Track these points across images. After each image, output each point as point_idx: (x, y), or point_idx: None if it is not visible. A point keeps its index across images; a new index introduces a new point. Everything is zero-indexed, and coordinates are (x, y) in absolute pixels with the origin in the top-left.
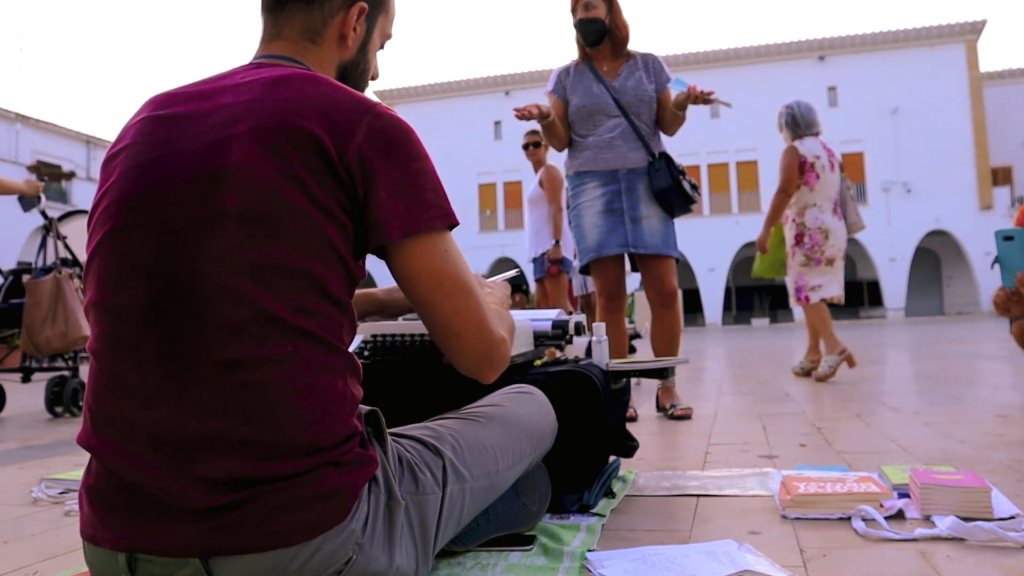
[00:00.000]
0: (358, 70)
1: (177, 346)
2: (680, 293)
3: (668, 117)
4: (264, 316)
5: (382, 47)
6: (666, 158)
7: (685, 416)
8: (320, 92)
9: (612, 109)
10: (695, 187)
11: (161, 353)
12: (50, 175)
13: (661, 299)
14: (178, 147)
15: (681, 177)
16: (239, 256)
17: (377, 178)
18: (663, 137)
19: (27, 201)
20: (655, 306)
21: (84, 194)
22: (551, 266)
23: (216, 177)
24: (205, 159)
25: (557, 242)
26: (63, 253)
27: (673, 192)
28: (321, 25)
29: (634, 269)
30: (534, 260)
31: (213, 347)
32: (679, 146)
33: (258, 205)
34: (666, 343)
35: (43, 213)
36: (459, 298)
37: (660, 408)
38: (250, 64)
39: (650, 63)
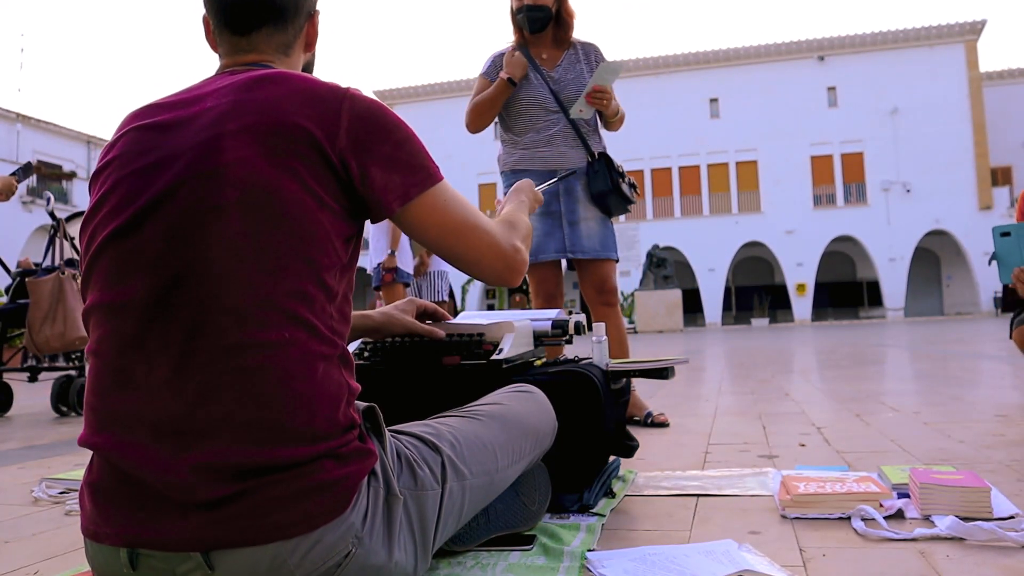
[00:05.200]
0: (311, 67)
1: (182, 335)
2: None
3: (609, 117)
4: (265, 301)
5: None
6: (605, 159)
7: (664, 423)
8: (298, 87)
9: (551, 104)
10: (634, 186)
11: (167, 343)
12: (50, 175)
13: (602, 297)
14: (170, 151)
15: (620, 180)
16: (242, 242)
17: (370, 157)
18: (603, 133)
19: (24, 173)
20: (595, 305)
21: (84, 194)
22: (385, 274)
23: (214, 174)
24: (200, 158)
25: (392, 252)
26: (70, 254)
27: (612, 195)
28: (293, 39)
29: (570, 267)
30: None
31: (219, 333)
32: (679, 146)
33: (258, 195)
34: (618, 344)
35: (51, 214)
36: (469, 236)
37: (630, 419)
38: (223, 73)
39: (591, 55)
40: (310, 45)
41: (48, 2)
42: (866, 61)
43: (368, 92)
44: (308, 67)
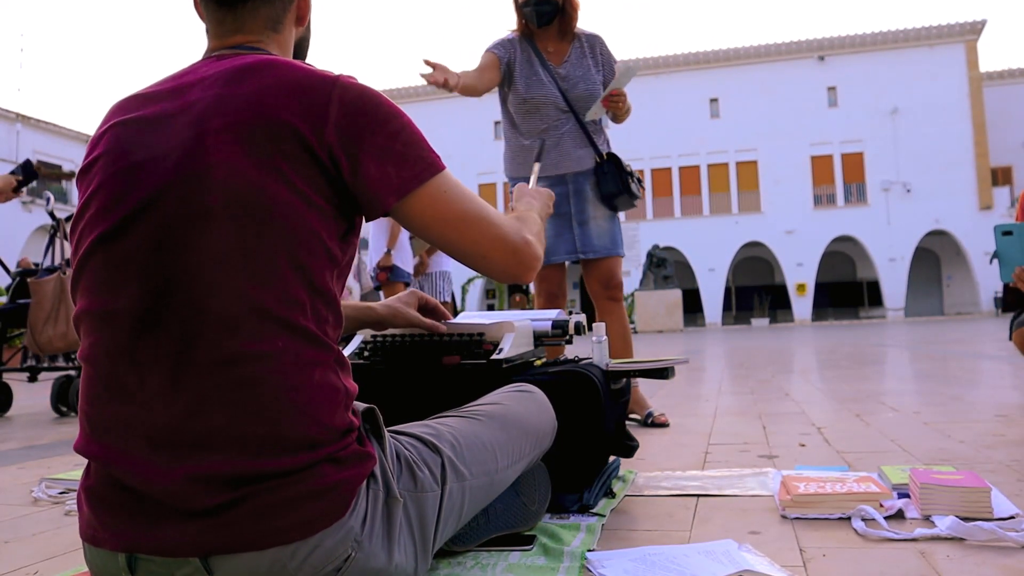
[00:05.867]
0: (306, 44)
1: (174, 346)
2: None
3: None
4: (256, 310)
5: None
6: (614, 160)
7: (664, 424)
8: (285, 77)
9: (560, 103)
10: (640, 182)
11: (159, 354)
12: (50, 175)
13: (608, 292)
14: (155, 150)
15: (629, 179)
16: (230, 250)
17: (361, 149)
18: (608, 127)
19: (23, 170)
20: (601, 299)
21: None
22: (379, 273)
23: (199, 176)
24: (185, 159)
25: (388, 251)
26: (70, 254)
27: (619, 196)
28: (282, 13)
29: (573, 262)
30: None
31: (210, 345)
32: (679, 146)
33: (243, 199)
34: (622, 341)
35: (51, 214)
36: (473, 228)
37: (632, 416)
38: (210, 57)
39: (597, 48)
40: (302, 19)
41: (48, 2)
42: (866, 61)
43: None
44: (303, 43)
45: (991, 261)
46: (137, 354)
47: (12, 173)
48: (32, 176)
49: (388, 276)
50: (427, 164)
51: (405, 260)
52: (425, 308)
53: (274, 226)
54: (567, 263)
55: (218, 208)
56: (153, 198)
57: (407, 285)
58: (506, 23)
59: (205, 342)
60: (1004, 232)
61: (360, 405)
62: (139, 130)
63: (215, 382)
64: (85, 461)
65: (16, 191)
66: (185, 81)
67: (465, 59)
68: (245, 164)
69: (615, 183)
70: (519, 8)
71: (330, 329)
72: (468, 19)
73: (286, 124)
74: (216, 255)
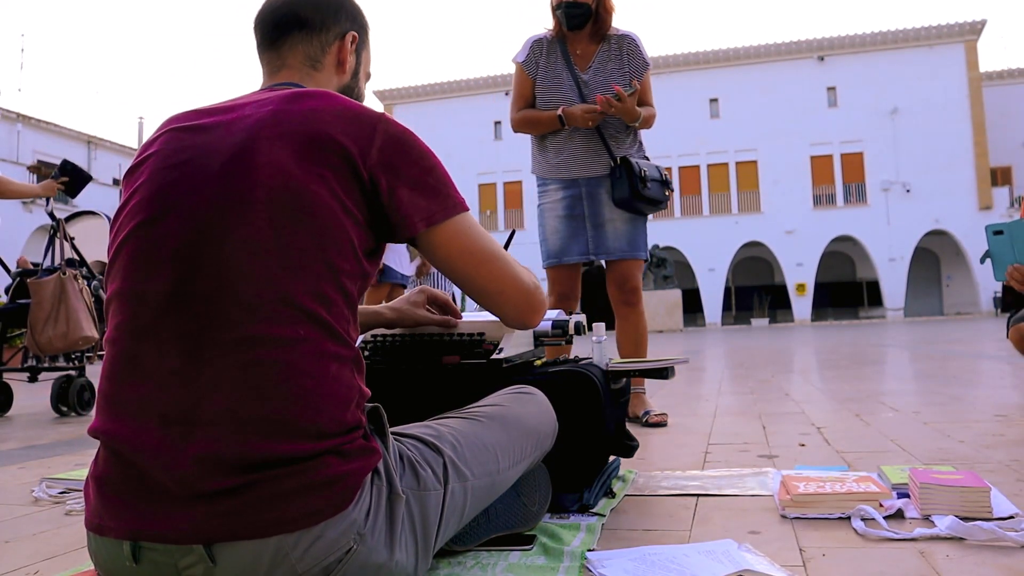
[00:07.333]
0: (353, 94)
1: (196, 325)
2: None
3: (628, 123)
4: (282, 297)
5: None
6: (627, 165)
7: (660, 423)
8: (337, 104)
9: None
10: (667, 182)
11: (180, 334)
12: (50, 175)
13: (624, 296)
14: (206, 149)
15: (641, 185)
16: (266, 240)
17: (399, 176)
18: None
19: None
20: (618, 304)
21: (85, 194)
22: None
23: (245, 171)
24: (233, 158)
25: None
26: (70, 254)
27: (632, 202)
28: (320, 53)
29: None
30: None
31: (230, 325)
32: (679, 146)
33: (285, 195)
34: (634, 345)
35: (51, 214)
36: (492, 264)
37: (631, 416)
38: (263, 90)
39: (625, 46)
40: (342, 65)
41: (48, 2)
42: (866, 61)
43: (368, 93)
44: (348, 93)
45: (982, 261)
46: (160, 333)
47: (52, 178)
48: (81, 177)
49: (377, 278)
50: (455, 202)
51: (401, 262)
52: (435, 304)
53: (311, 223)
54: (581, 266)
55: (260, 200)
56: (195, 188)
57: (404, 288)
58: (503, 24)
59: (226, 322)
60: (995, 231)
61: (366, 405)
62: (192, 135)
63: (230, 362)
64: (86, 461)
65: (72, 193)
66: (239, 103)
67: (465, 59)
68: (292, 166)
69: (623, 189)
70: (553, 10)
71: (351, 330)
72: (468, 19)
73: (335, 141)
74: (251, 243)
